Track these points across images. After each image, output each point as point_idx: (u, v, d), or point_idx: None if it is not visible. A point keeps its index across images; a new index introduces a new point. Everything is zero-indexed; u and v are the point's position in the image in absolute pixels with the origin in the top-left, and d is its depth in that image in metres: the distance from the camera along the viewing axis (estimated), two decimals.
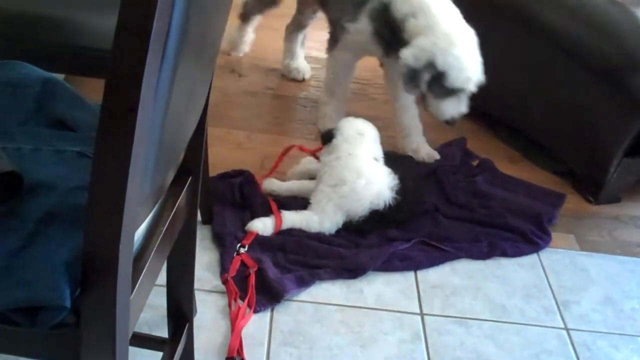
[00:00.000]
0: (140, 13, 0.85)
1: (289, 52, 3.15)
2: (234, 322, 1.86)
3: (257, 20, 3.15)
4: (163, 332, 1.63)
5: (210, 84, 1.44)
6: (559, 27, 2.56)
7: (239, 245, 2.08)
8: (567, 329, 2.07)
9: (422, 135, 2.72)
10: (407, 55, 2.34)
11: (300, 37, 3.13)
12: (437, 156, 2.68)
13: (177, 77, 1.02)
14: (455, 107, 2.42)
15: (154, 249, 1.19)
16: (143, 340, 1.56)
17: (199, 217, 1.82)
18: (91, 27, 1.77)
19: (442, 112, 2.44)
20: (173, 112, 1.07)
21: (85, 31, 1.78)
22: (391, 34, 2.44)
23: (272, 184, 2.36)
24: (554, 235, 2.41)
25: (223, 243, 2.10)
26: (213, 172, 2.24)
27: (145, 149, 0.95)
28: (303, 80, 3.14)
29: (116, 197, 0.93)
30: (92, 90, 1.44)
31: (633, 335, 2.09)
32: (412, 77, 2.37)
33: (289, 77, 3.14)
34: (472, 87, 2.38)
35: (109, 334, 1.00)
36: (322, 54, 3.39)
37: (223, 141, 2.58)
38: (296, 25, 3.11)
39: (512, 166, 2.69)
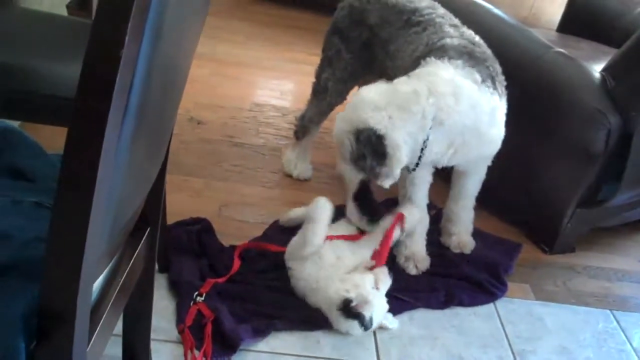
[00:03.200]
0: (105, 66, 0.85)
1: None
2: None
3: (315, 134, 2.88)
4: None
5: (171, 134, 1.44)
6: (513, 79, 2.61)
7: (196, 294, 2.06)
8: None
9: (469, 228, 2.57)
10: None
11: None
12: (469, 249, 2.54)
13: (140, 128, 1.02)
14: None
15: (112, 300, 1.18)
16: None
17: (156, 266, 1.80)
18: (48, 74, 1.76)
19: None
20: (134, 164, 1.07)
21: (42, 78, 1.77)
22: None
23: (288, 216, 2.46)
24: (510, 284, 2.43)
25: (179, 292, 2.08)
26: (170, 219, 2.23)
27: (105, 201, 0.95)
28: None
29: (75, 250, 0.92)
30: (49, 138, 1.44)
31: None
32: None
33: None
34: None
35: None
36: (281, 102, 3.44)
37: (181, 189, 2.57)
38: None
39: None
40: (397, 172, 2.12)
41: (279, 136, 3.11)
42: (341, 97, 2.74)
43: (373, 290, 2.07)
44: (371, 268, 2.16)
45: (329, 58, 2.69)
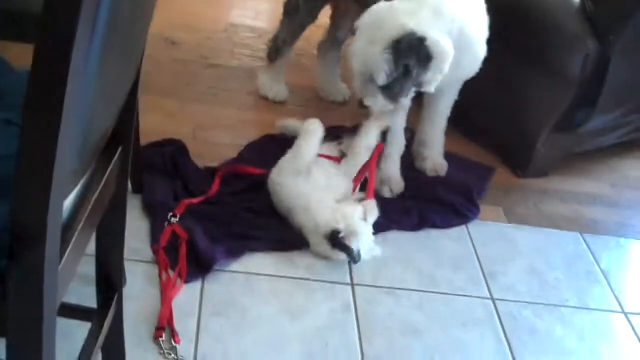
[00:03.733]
0: None
1: (326, 73, 2.91)
2: (165, 292, 1.86)
3: (289, 55, 2.83)
4: (92, 303, 1.61)
5: (143, 52, 1.41)
6: (491, 3, 2.58)
7: (170, 214, 2.06)
8: (493, 299, 2.12)
9: (442, 150, 2.58)
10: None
11: (337, 55, 2.89)
12: (444, 172, 2.56)
13: (109, 45, 1.00)
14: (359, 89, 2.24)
15: (83, 219, 1.17)
16: (71, 311, 1.54)
17: (129, 187, 1.80)
18: None
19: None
20: (104, 82, 1.05)
21: None
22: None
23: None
24: (482, 207, 2.46)
25: (153, 213, 2.08)
26: (144, 140, 2.21)
27: (75, 119, 0.93)
28: (345, 102, 2.90)
29: (45, 166, 0.91)
30: (16, 55, 1.41)
31: (556, 305, 2.15)
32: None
33: (327, 100, 2.90)
34: (355, 68, 2.20)
35: (37, 305, 0.99)
36: (257, 23, 3.39)
37: (155, 110, 2.54)
38: (332, 42, 2.86)
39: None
40: (445, 70, 2.13)
41: (254, 57, 3.08)
42: (312, 15, 2.71)
43: (361, 222, 2.09)
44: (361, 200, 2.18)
45: None
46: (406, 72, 2.11)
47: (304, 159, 2.20)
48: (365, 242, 2.10)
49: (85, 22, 0.86)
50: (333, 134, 2.42)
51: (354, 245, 2.06)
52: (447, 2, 2.15)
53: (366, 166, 2.28)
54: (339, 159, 2.31)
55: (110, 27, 0.96)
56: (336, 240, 2.05)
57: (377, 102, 2.19)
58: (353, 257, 2.07)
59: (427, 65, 2.11)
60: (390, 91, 2.15)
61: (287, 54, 2.79)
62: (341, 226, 2.06)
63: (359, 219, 2.09)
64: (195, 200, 2.15)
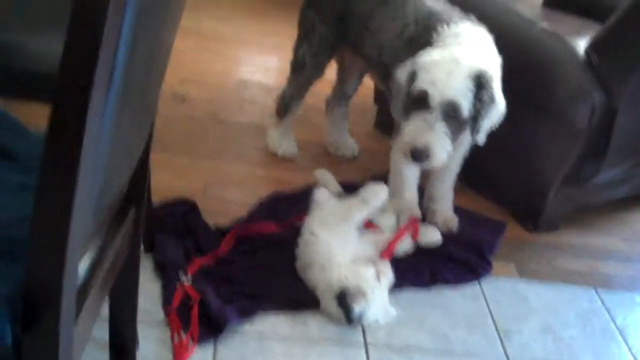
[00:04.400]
0: (87, 42, 0.83)
1: (335, 128, 2.91)
2: (177, 355, 1.83)
3: (297, 111, 2.83)
4: None
5: (155, 111, 1.42)
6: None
7: (181, 273, 2.05)
8: (508, 358, 2.08)
9: (451, 205, 2.56)
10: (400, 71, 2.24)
11: (345, 110, 2.90)
12: (455, 226, 2.52)
13: (123, 106, 1.00)
14: (420, 131, 2.12)
15: (98, 282, 1.16)
16: None
17: (141, 246, 1.79)
18: (27, 49, 1.73)
19: (403, 134, 2.16)
20: (118, 143, 1.05)
21: (22, 52, 1.74)
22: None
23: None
24: (494, 263, 2.43)
25: (165, 272, 2.06)
26: (155, 198, 2.20)
27: (90, 181, 0.93)
28: (353, 157, 2.90)
29: (60, 230, 0.91)
30: (27, 115, 1.42)
31: None
32: (395, 94, 2.26)
33: (336, 155, 2.89)
34: (435, 98, 2.09)
35: None
36: (266, 79, 3.41)
37: (165, 167, 2.54)
38: (339, 98, 2.88)
39: (454, 195, 2.70)
40: (496, 120, 2.21)
41: (264, 113, 3.08)
42: (318, 71, 2.72)
43: (374, 282, 2.06)
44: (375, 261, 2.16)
45: (304, 33, 2.67)
46: (477, 110, 2.13)
47: (353, 221, 2.21)
48: (377, 303, 2.06)
49: (100, 85, 0.87)
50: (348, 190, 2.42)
51: (361, 305, 2.03)
52: (485, 53, 2.21)
53: (395, 240, 2.27)
54: (373, 226, 2.29)
55: (124, 89, 0.96)
56: (342, 298, 2.03)
57: (443, 143, 2.13)
58: (349, 318, 2.02)
59: (491, 107, 2.14)
60: (458, 128, 2.15)
61: (295, 110, 2.80)
62: (351, 283, 2.04)
63: (372, 279, 2.07)
64: (206, 259, 2.12)
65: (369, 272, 2.07)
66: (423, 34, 2.30)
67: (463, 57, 2.14)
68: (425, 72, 2.12)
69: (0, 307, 0.95)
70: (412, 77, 2.16)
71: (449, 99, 2.10)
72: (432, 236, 2.41)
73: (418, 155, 2.12)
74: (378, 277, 2.07)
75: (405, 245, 2.34)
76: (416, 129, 2.12)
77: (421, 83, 2.12)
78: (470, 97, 2.11)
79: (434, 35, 2.26)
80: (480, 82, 2.12)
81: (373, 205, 2.27)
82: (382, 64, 2.48)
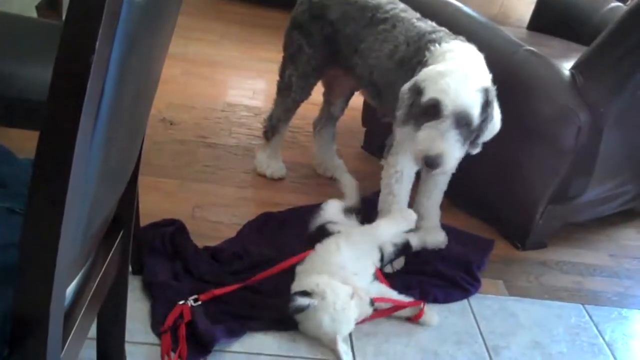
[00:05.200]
0: (76, 71, 0.85)
1: (323, 149, 2.93)
2: None
3: (284, 132, 2.86)
4: None
5: (144, 136, 1.43)
6: None
7: (193, 297, 2.05)
8: None
9: (438, 222, 2.59)
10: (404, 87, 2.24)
11: (332, 131, 2.93)
12: (444, 244, 2.55)
13: (111, 134, 1.01)
14: (432, 139, 2.12)
15: (85, 304, 1.17)
16: None
17: (129, 268, 1.80)
18: (18, 77, 1.75)
19: (416, 142, 2.15)
20: (107, 169, 1.06)
21: (12, 81, 1.75)
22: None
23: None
24: (483, 281, 2.45)
25: (154, 293, 2.07)
26: (144, 221, 2.22)
27: (78, 207, 0.94)
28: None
29: (48, 255, 0.92)
30: (16, 142, 1.43)
31: None
32: (399, 105, 2.24)
33: (325, 176, 2.91)
34: (448, 107, 2.10)
35: None
36: (254, 102, 3.44)
37: (153, 190, 2.56)
38: (326, 119, 2.91)
39: (441, 213, 2.72)
40: (490, 135, 2.25)
41: (251, 136, 3.11)
42: (305, 92, 2.74)
43: (344, 299, 2.05)
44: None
45: (290, 54, 2.70)
46: (481, 123, 2.17)
47: (378, 239, 2.26)
48: (341, 319, 2.05)
49: (88, 112, 0.88)
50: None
51: (307, 302, 2.02)
52: (479, 69, 2.24)
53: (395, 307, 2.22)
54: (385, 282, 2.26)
55: (113, 114, 0.98)
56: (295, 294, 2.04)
57: (455, 151, 2.16)
58: (290, 306, 2.02)
59: (492, 123, 2.19)
60: (467, 137, 2.17)
61: (282, 132, 2.82)
62: (317, 289, 2.04)
63: (344, 295, 2.06)
64: (223, 291, 2.11)
65: (345, 289, 2.07)
66: (415, 55, 2.33)
67: (469, 71, 2.17)
68: (434, 83, 2.13)
69: None
70: (417, 90, 2.17)
71: (461, 108, 2.11)
72: (437, 237, 2.49)
73: (431, 162, 2.13)
74: (352, 297, 2.08)
75: (397, 264, 2.37)
76: (429, 137, 2.13)
77: (432, 93, 2.12)
78: (479, 108, 2.14)
79: (427, 54, 2.28)
80: (486, 97, 2.15)
81: (402, 229, 2.32)
82: (373, 84, 2.51)
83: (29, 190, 0.88)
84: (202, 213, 2.54)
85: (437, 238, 2.53)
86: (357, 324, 2.10)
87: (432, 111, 2.12)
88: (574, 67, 2.57)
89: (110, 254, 1.32)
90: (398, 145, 2.40)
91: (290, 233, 2.43)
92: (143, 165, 1.52)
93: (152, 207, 2.39)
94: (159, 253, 2.22)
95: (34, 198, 0.90)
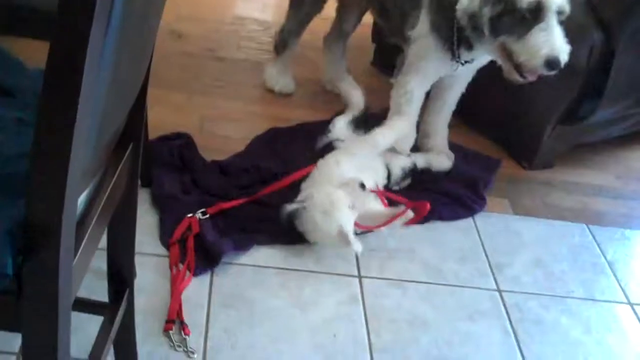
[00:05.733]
0: None
1: (332, 65, 2.89)
2: (174, 285, 1.87)
3: (295, 47, 2.83)
4: (102, 296, 1.63)
5: (153, 47, 1.42)
6: None
7: (201, 210, 2.08)
8: (499, 291, 2.13)
9: (446, 142, 2.58)
10: (462, 2, 2.15)
11: (343, 48, 2.88)
12: (447, 168, 2.53)
13: (122, 41, 1.01)
14: (547, 40, 2.08)
15: (96, 215, 1.18)
16: (83, 305, 1.55)
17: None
18: None
19: (532, 52, 2.10)
20: (117, 78, 1.06)
21: None
22: (454, 30, 2.21)
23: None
24: (488, 199, 2.47)
25: (163, 206, 2.10)
26: (152, 134, 2.22)
27: (89, 116, 0.95)
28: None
29: (59, 164, 0.92)
30: (25, 51, 1.43)
31: (562, 297, 2.16)
32: (474, 25, 2.14)
33: (333, 92, 2.80)
34: (552, 6, 2.06)
35: (52, 301, 1.00)
36: (263, 15, 3.40)
37: (162, 103, 2.55)
38: (337, 35, 2.86)
39: (450, 132, 2.72)
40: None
41: (260, 50, 3.09)
42: (317, 6, 2.72)
43: (341, 206, 2.06)
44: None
45: None
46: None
47: (377, 146, 2.27)
48: (332, 210, 2.05)
49: (100, 20, 0.88)
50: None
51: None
52: None
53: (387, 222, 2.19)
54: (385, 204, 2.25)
55: (123, 24, 0.97)
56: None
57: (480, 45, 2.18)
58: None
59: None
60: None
61: (293, 46, 2.80)
62: (316, 199, 2.06)
63: (341, 202, 2.07)
64: (231, 204, 2.14)
65: (332, 189, 2.09)
66: None
67: None
68: None
69: (1, 240, 0.98)
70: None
71: (561, 4, 2.09)
72: (443, 161, 2.50)
73: (557, 62, 2.10)
74: (352, 206, 2.08)
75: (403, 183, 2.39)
76: (551, 38, 2.08)
77: None
78: None
79: None
80: None
81: (398, 133, 2.32)
82: (379, 2, 2.48)
83: (39, 99, 0.89)
84: (211, 127, 2.54)
85: (442, 162, 2.52)
86: (361, 232, 2.14)
87: (534, 14, 2.07)
88: None
89: (120, 166, 1.33)
90: (409, 65, 2.38)
91: (298, 148, 2.44)
92: (151, 77, 1.51)
93: (160, 120, 2.39)
94: (167, 166, 2.23)
95: (45, 107, 0.90)
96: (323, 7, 2.73)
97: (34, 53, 1.27)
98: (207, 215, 2.08)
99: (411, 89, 2.38)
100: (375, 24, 3.09)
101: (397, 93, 2.42)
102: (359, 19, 2.85)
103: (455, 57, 2.27)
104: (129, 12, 0.99)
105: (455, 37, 2.22)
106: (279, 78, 2.81)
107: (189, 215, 2.06)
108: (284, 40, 2.78)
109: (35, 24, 1.65)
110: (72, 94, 0.88)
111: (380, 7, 2.50)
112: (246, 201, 2.16)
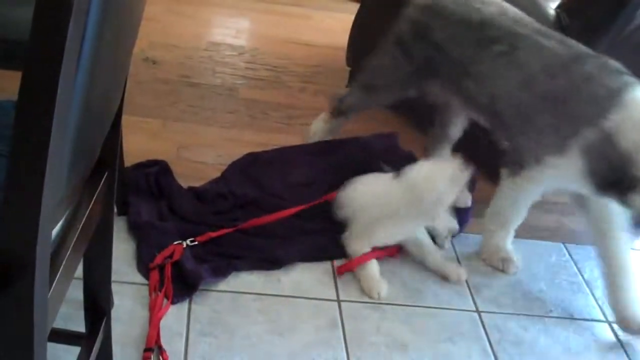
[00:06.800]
0: (58, 8, 0.84)
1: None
2: (152, 313, 1.86)
3: (350, 118, 2.67)
4: (79, 326, 1.61)
5: (127, 73, 1.42)
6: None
7: (191, 240, 2.08)
8: (478, 312, 2.14)
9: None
10: None
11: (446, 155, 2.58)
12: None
13: (94, 68, 1.01)
14: None
15: (71, 245, 1.17)
16: (59, 336, 1.53)
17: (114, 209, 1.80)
18: (4, 18, 1.72)
19: None
20: (90, 105, 1.06)
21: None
22: (613, 171, 1.99)
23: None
24: None
25: (140, 233, 2.08)
26: (128, 161, 2.21)
27: (62, 145, 0.94)
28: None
29: (33, 195, 0.92)
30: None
31: (540, 316, 2.17)
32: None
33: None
34: None
35: (27, 333, 0.99)
36: (238, 41, 3.40)
37: (137, 130, 2.55)
38: (440, 141, 2.59)
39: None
40: None
41: (235, 76, 3.09)
42: (389, 100, 2.60)
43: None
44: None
45: (386, 62, 2.48)
46: None
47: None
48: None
49: (72, 47, 0.87)
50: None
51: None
52: None
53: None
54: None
55: (96, 50, 0.97)
56: None
57: None
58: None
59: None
60: None
61: (349, 117, 2.66)
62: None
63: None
64: (219, 233, 2.14)
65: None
66: (577, 94, 2.09)
67: None
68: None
69: None
70: None
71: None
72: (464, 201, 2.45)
73: None
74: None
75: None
76: None
77: None
78: None
79: (617, 104, 2.00)
80: None
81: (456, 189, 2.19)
82: (494, 113, 2.27)
83: (12, 131, 0.88)
84: (186, 153, 2.54)
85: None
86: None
87: None
88: (558, 6, 2.55)
89: (95, 195, 1.32)
90: (539, 171, 2.19)
91: (275, 174, 2.43)
92: (126, 104, 1.51)
93: (136, 147, 2.38)
94: (143, 193, 2.22)
95: (17, 139, 0.89)
96: (390, 103, 2.62)
97: (3, 83, 1.27)
98: (196, 243, 2.07)
99: (528, 190, 2.27)
100: (350, 47, 3.08)
101: (514, 186, 2.26)
102: (465, 123, 2.57)
103: (597, 192, 2.08)
104: (101, 37, 0.99)
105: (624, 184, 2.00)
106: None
107: (177, 242, 2.05)
108: (341, 111, 2.63)
109: (9, 55, 1.64)
110: (44, 124, 0.88)
111: (496, 120, 2.29)
112: (236, 229, 2.15)
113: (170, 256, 2.01)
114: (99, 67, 1.04)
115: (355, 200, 2.24)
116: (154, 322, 1.83)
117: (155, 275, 1.95)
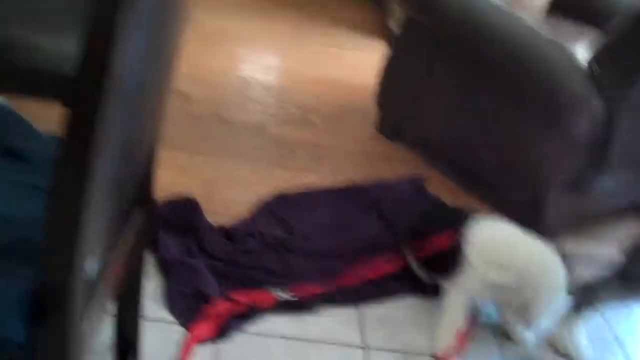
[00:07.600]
0: (102, 49, 0.84)
1: None
2: (182, 352, 1.84)
3: None
4: None
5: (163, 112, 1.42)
6: (501, 67, 2.59)
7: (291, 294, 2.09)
8: None
9: None
10: None
11: None
12: None
13: (135, 108, 1.01)
14: None
15: (105, 281, 1.17)
16: None
17: None
18: (41, 49, 1.72)
19: None
20: (129, 147, 1.06)
21: (35, 52, 1.73)
22: None
23: None
24: None
25: (169, 271, 2.06)
26: (157, 195, 2.19)
27: (103, 184, 0.94)
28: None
29: (72, 233, 0.92)
30: (36, 115, 1.42)
31: None
32: None
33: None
34: None
35: None
36: (268, 77, 3.41)
37: (167, 165, 2.50)
38: None
39: (455, 199, 2.71)
40: None
41: (265, 113, 3.09)
42: None
43: None
44: None
45: None
46: None
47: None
48: None
49: (115, 90, 0.88)
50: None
51: None
52: None
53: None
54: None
55: (137, 92, 0.97)
56: None
57: None
58: None
59: None
60: None
61: None
62: None
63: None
64: (320, 290, 2.15)
65: None
66: None
67: None
68: None
69: (14, 307, 0.96)
70: None
71: None
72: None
73: None
74: None
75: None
76: None
77: None
78: None
79: None
80: None
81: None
82: None
83: (54, 166, 0.88)
84: (215, 190, 2.52)
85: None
86: None
87: None
88: (592, 58, 2.55)
89: (130, 231, 1.31)
90: None
91: (303, 215, 2.42)
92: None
93: (166, 182, 2.33)
94: (173, 230, 2.21)
95: (59, 174, 0.89)
96: None
97: (44, 116, 1.27)
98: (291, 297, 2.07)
99: None
100: (382, 87, 3.06)
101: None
102: None
103: None
104: (144, 72, 0.99)
105: None
106: None
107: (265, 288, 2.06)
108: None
109: (45, 86, 1.64)
110: (87, 161, 0.88)
111: None
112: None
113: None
114: (140, 104, 1.03)
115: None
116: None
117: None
